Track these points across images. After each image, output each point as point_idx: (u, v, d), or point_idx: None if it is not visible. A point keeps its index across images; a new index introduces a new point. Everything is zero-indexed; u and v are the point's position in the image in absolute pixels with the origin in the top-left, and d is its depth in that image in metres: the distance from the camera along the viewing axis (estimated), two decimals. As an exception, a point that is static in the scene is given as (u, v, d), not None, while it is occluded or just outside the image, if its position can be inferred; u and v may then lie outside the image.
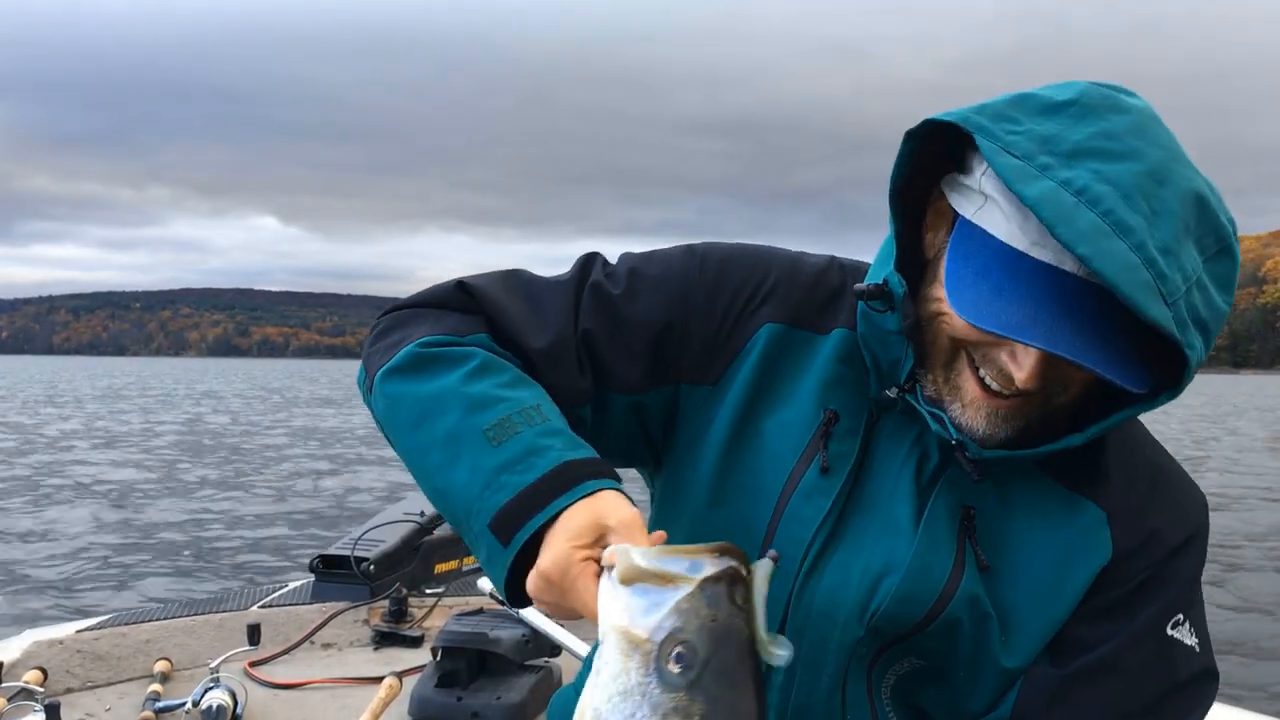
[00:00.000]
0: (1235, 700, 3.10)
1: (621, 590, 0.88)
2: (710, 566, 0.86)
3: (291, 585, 3.73)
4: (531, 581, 1.02)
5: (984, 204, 1.10)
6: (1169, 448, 1.34)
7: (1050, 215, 0.97)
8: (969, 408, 1.15)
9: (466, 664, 2.74)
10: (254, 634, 3.15)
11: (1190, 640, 1.23)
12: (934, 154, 1.15)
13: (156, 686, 2.89)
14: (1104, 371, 1.02)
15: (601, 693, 0.85)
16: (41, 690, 2.83)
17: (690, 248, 1.35)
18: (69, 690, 2.95)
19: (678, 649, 0.84)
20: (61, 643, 3.04)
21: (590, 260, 1.34)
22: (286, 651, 3.23)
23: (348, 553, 3.50)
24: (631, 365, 1.27)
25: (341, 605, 3.42)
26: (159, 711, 2.77)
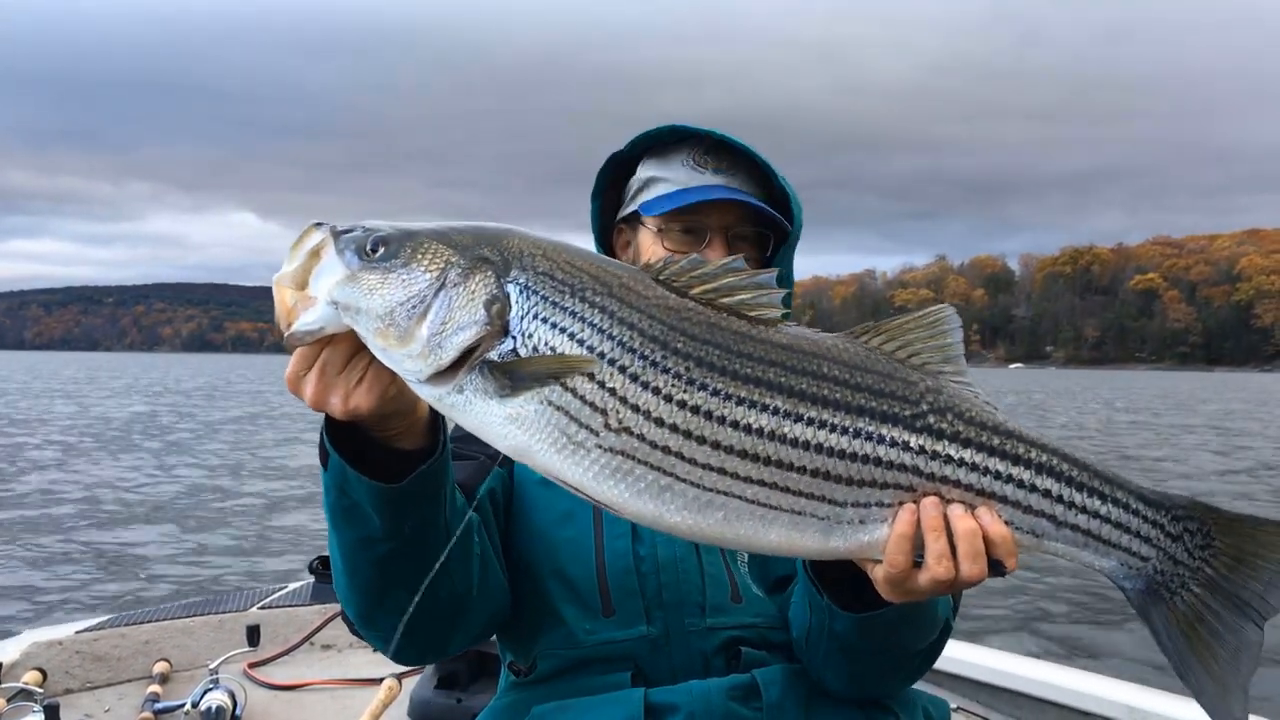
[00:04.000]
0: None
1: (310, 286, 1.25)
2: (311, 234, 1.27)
3: (291, 586, 3.72)
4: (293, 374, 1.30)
5: (647, 185, 1.80)
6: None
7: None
8: None
9: (466, 666, 2.76)
10: (253, 635, 3.17)
11: None
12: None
13: (156, 687, 2.90)
14: (753, 190, 1.80)
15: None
16: (41, 691, 2.82)
17: None
18: (68, 691, 2.96)
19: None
20: (61, 643, 3.04)
21: None
22: (286, 652, 3.24)
23: (345, 553, 3.51)
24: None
25: (341, 606, 3.43)
26: (158, 712, 2.78)
